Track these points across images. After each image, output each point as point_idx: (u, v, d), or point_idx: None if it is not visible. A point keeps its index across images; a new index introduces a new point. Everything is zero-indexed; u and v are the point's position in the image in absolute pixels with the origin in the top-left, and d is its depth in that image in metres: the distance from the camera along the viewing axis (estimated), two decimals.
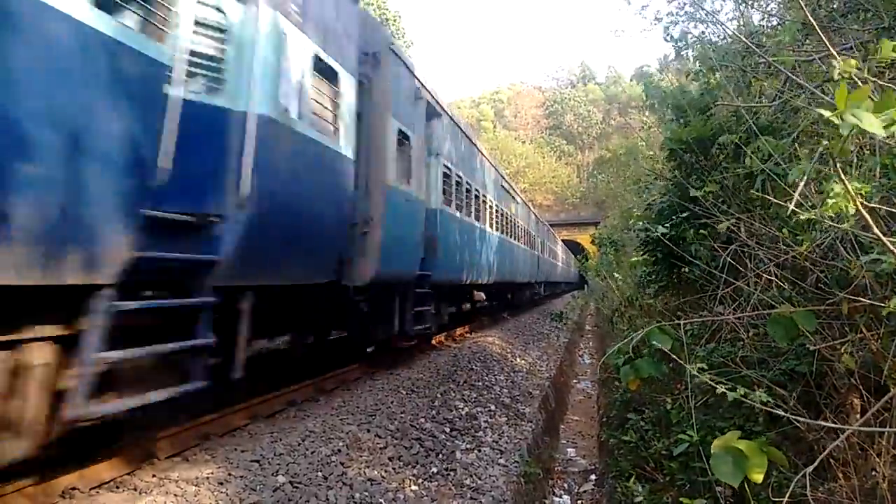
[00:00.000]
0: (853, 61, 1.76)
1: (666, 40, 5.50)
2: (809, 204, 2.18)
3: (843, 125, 1.56)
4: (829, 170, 1.71)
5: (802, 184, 1.94)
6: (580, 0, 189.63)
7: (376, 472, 4.65)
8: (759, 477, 2.00)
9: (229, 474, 4.17)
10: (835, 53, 1.89)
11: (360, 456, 4.91)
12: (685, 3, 6.26)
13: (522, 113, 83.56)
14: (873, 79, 2.22)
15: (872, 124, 1.51)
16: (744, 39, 4.11)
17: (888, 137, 2.47)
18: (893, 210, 2.17)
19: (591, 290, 27.35)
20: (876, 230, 1.75)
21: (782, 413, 2.38)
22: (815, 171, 2.50)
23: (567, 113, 77.89)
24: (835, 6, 4.12)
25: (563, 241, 44.66)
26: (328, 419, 5.69)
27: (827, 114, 1.51)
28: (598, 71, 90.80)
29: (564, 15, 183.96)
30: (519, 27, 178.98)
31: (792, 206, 1.91)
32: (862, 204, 1.84)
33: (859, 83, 1.99)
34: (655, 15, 7.14)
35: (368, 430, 5.50)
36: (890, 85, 2.07)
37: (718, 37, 5.55)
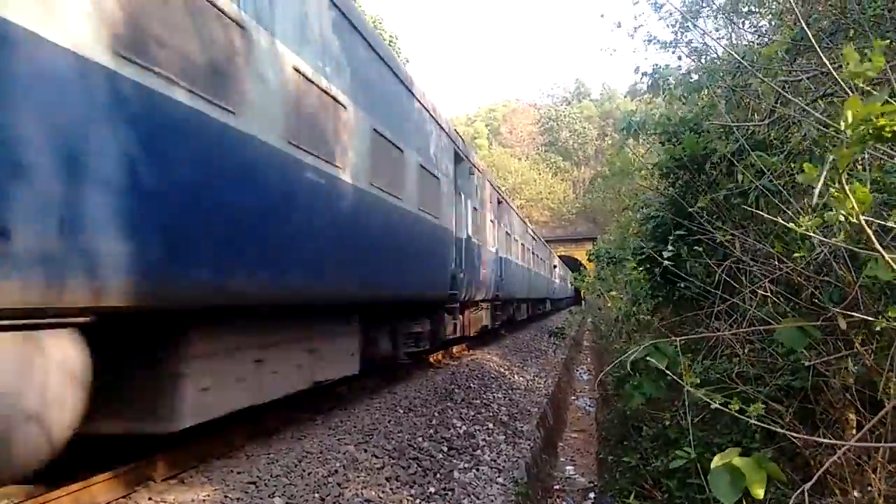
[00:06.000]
0: (866, 63, 1.78)
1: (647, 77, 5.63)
2: (806, 218, 2.20)
3: (854, 130, 1.58)
4: (834, 181, 1.73)
5: (817, 192, 1.95)
6: (574, 18, 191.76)
7: (374, 493, 4.62)
8: (760, 492, 2.00)
9: (226, 496, 4.14)
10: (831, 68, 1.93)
11: (358, 476, 4.88)
12: (676, 24, 6.35)
13: (518, 130, 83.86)
14: (861, 97, 2.25)
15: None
16: (736, 57, 4.16)
17: (875, 153, 2.51)
18: (888, 224, 2.19)
19: (589, 305, 27.33)
20: (877, 244, 1.77)
21: (779, 429, 2.38)
22: (805, 184, 2.52)
23: (562, 129, 78.26)
24: (823, 25, 4.18)
25: (559, 256, 44.63)
26: (325, 439, 5.66)
27: (848, 112, 1.53)
28: (593, 88, 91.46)
29: (558, 33, 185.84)
30: (513, 45, 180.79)
31: (782, 219, 1.93)
32: (858, 216, 1.86)
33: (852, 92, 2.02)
34: (647, 36, 7.26)
35: (366, 450, 5.47)
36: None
37: (707, 58, 5.65)
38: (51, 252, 2.87)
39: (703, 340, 4.01)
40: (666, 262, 4.49)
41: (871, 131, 1.52)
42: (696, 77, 5.68)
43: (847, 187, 1.73)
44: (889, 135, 1.51)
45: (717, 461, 2.02)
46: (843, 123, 1.56)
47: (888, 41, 3.45)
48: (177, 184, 3.75)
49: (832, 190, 1.74)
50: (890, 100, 1.63)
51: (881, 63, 1.63)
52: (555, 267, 37.83)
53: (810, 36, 2.27)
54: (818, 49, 2.21)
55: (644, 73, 5.57)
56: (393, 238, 7.49)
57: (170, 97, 3.63)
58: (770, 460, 2.08)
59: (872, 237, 1.81)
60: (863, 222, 1.78)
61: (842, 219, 1.79)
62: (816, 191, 1.82)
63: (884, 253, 1.77)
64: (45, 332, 2.97)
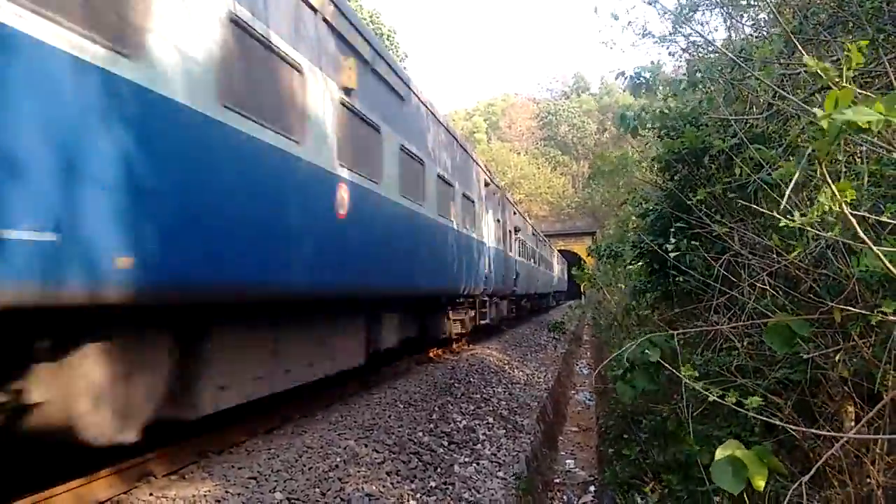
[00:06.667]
0: (828, 65, 1.80)
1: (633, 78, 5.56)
2: (801, 212, 2.22)
3: (830, 124, 1.60)
4: (817, 173, 1.74)
5: (791, 186, 1.97)
6: (572, 12, 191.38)
7: (374, 488, 4.63)
8: (760, 483, 2.03)
9: (226, 492, 4.16)
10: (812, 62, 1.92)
11: (359, 471, 4.89)
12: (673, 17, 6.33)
13: (517, 124, 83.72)
14: (858, 89, 2.25)
15: (858, 118, 1.55)
16: (729, 55, 4.16)
17: (874, 146, 2.51)
18: (881, 219, 2.20)
19: (588, 299, 27.17)
20: (862, 235, 1.77)
21: (777, 422, 2.39)
22: (804, 177, 2.52)
23: (561, 124, 78.09)
24: (821, 18, 4.18)
25: (558, 251, 44.64)
26: (326, 434, 5.68)
27: (818, 112, 1.54)
28: (592, 82, 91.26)
29: (557, 27, 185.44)
30: (512, 39, 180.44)
31: (777, 213, 1.94)
32: (849, 211, 1.86)
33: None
34: (643, 30, 7.21)
35: (366, 445, 5.48)
36: (869, 94, 2.10)
37: (704, 51, 5.63)
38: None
39: (702, 334, 4.02)
40: (670, 256, 4.50)
41: (847, 123, 1.53)
42: (689, 74, 5.64)
43: (829, 178, 1.73)
44: (865, 125, 1.52)
45: (720, 453, 2.04)
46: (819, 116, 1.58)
47: (884, 34, 3.46)
48: None
49: (816, 190, 1.75)
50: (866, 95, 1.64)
51: (860, 60, 1.64)
52: (521, 243, 21.73)
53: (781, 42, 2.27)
54: (801, 48, 2.21)
55: (630, 76, 5.51)
56: None
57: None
58: (769, 453, 2.09)
59: (857, 228, 1.82)
60: (847, 212, 1.79)
61: (827, 210, 1.80)
62: (791, 183, 1.83)
63: (871, 244, 1.78)
64: None
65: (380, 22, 36.60)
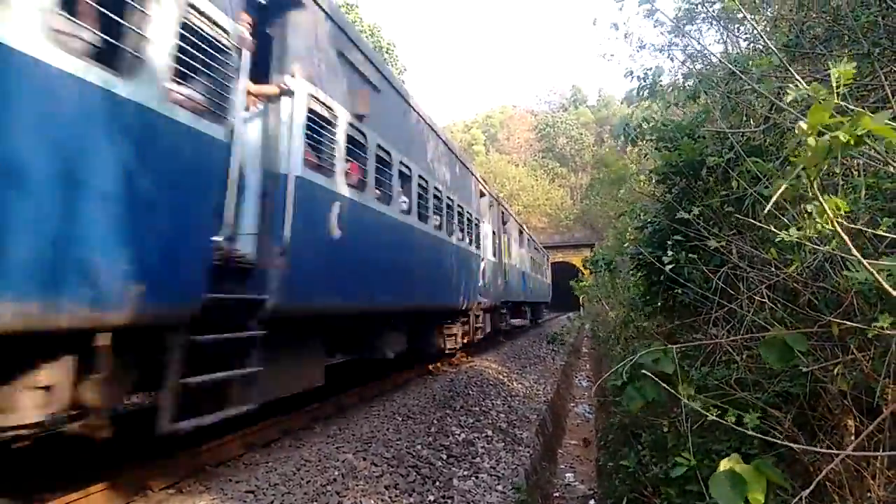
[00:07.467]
0: (815, 85, 1.81)
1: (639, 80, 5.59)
2: (797, 225, 2.21)
3: (815, 139, 1.61)
4: (807, 190, 1.74)
5: (772, 201, 1.97)
6: (570, 25, 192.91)
7: (372, 502, 4.60)
8: (760, 498, 2.01)
9: None
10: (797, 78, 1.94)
11: (356, 485, 4.86)
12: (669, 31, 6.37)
13: (515, 136, 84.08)
14: (843, 103, 2.26)
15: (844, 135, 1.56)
16: (728, 65, 4.18)
17: (871, 158, 2.52)
18: (878, 232, 2.20)
19: (587, 312, 26.98)
20: (853, 249, 1.77)
21: (776, 439, 2.38)
22: (795, 191, 2.53)
23: (559, 136, 78.38)
24: (817, 32, 4.21)
25: (556, 263, 44.56)
26: (323, 447, 5.65)
27: (802, 126, 1.55)
28: (589, 94, 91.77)
29: (555, 39, 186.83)
30: (510, 52, 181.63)
31: (774, 227, 1.94)
32: (844, 225, 1.87)
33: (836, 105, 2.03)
34: (639, 42, 7.26)
35: (364, 459, 5.45)
36: (859, 109, 2.11)
37: (702, 63, 5.66)
38: None
39: (701, 346, 4.01)
40: (667, 269, 4.49)
41: (839, 140, 1.54)
42: (690, 82, 5.68)
43: (821, 196, 1.74)
44: (854, 140, 1.53)
45: (722, 466, 2.03)
46: (806, 134, 1.58)
47: (879, 48, 3.49)
48: None
49: (808, 205, 1.75)
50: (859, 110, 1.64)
51: (850, 77, 1.65)
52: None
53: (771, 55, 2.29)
54: (790, 69, 2.22)
55: (637, 77, 5.56)
56: None
57: None
58: (770, 466, 2.08)
59: (849, 243, 1.82)
60: (838, 229, 1.79)
61: (819, 228, 1.80)
62: (772, 199, 1.83)
63: (861, 258, 1.78)
64: None
65: (379, 35, 36.77)
